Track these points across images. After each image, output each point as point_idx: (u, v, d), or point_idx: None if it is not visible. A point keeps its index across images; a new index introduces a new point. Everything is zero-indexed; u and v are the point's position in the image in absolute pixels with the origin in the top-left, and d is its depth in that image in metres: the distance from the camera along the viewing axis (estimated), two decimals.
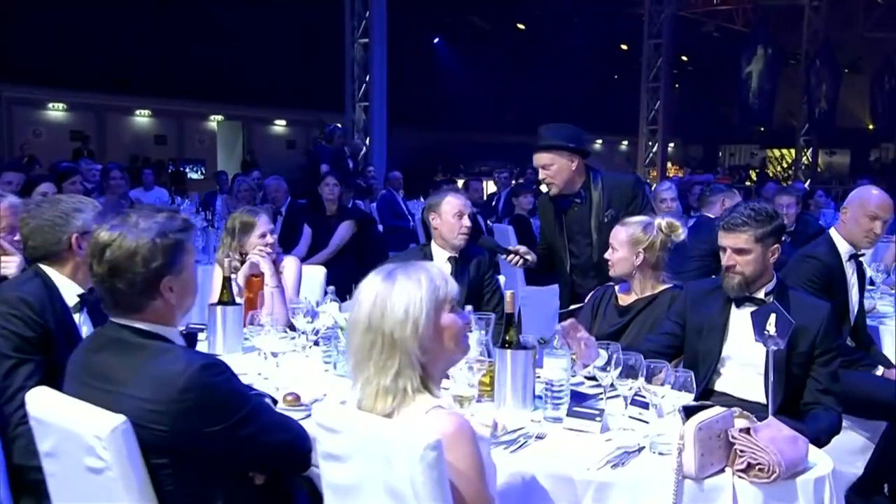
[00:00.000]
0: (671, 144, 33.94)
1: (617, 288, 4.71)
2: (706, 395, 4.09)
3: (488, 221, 10.90)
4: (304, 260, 8.43)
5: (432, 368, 2.58)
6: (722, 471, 2.97)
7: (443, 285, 2.61)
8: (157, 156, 23.96)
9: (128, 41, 22.27)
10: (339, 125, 13.12)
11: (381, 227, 10.82)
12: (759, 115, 29.22)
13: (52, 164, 9.63)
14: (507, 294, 3.70)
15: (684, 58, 33.06)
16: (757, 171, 32.00)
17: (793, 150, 31.75)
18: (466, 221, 5.19)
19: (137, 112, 25.47)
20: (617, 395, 3.45)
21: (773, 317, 3.20)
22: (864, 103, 34.18)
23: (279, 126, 28.35)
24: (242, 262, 5.03)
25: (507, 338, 3.60)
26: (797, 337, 3.88)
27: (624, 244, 4.54)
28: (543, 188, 5.72)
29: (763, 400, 3.98)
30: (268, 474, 2.89)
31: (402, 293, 2.50)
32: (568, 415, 3.39)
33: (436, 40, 28.34)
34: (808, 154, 29.26)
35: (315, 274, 5.59)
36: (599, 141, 37.36)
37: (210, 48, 23.03)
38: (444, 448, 2.32)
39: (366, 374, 2.50)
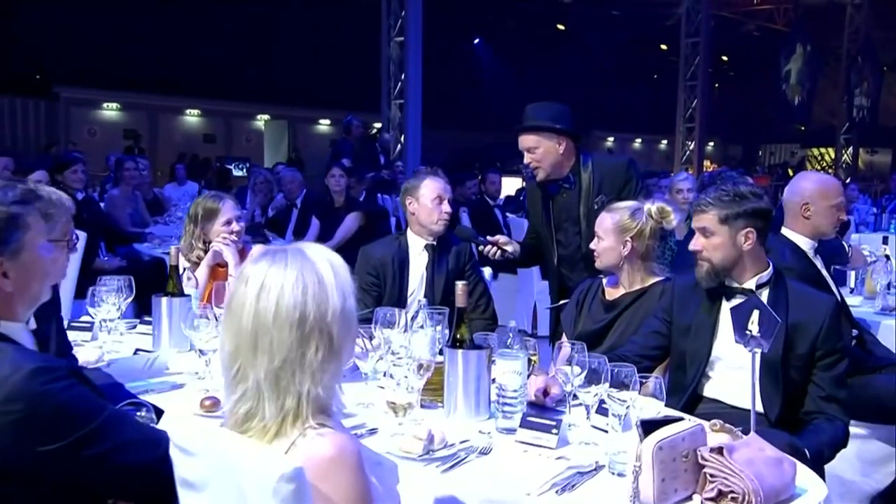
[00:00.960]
0: (711, 143, 33.32)
1: (605, 281, 4.09)
2: (695, 400, 3.48)
3: (510, 214, 10.24)
4: None
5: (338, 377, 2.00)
6: (689, 498, 2.36)
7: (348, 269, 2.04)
8: (205, 153, 23.72)
9: (178, 44, 22.04)
10: (357, 118, 12.53)
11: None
12: (799, 113, 28.49)
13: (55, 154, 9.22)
14: (459, 285, 3.09)
15: (725, 58, 32.33)
16: (794, 169, 30.92)
17: (832, 150, 30.78)
18: (446, 207, 4.60)
19: (187, 112, 25.40)
20: (580, 404, 2.86)
21: (755, 314, 2.57)
22: None
23: (323, 125, 27.87)
24: (206, 251, 4.50)
25: (458, 336, 3.01)
26: (795, 336, 3.30)
27: (610, 232, 3.92)
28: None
29: (759, 408, 3.35)
30: (132, 502, 2.28)
31: (331, 276, 1.92)
32: (521, 425, 2.80)
33: (476, 41, 27.81)
34: (848, 153, 28.44)
35: None
36: (639, 140, 36.82)
37: (256, 51, 23.02)
38: (318, 477, 1.77)
39: (245, 381, 1.90)
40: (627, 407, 2.63)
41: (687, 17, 23.96)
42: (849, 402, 4.23)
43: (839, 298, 4.63)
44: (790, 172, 24.50)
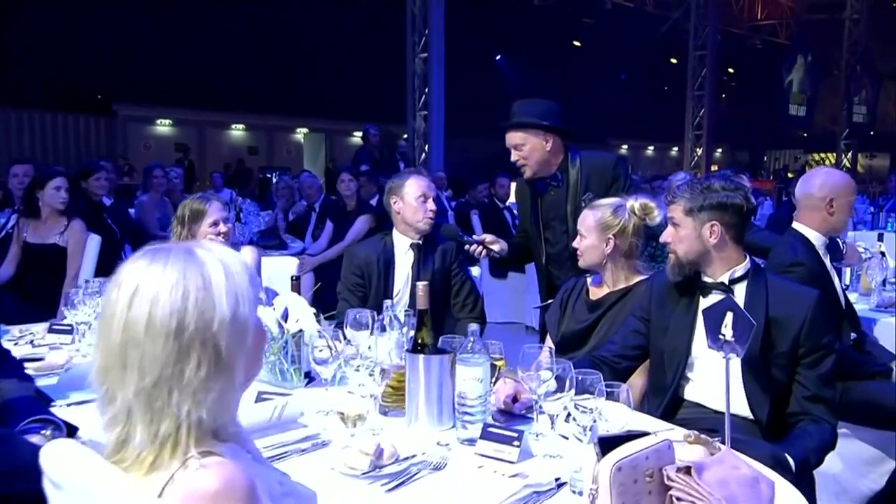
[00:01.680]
0: (719, 150, 32.99)
1: (590, 280, 3.66)
2: (676, 403, 3.04)
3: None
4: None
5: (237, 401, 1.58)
6: None
7: (252, 274, 1.63)
8: (249, 164, 23.49)
9: (225, 65, 22.00)
10: (375, 127, 12.19)
11: None
12: (800, 121, 28.06)
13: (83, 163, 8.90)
14: (419, 286, 2.65)
15: (731, 70, 31.85)
16: (794, 172, 30.32)
17: (833, 155, 30.23)
18: (431, 205, 4.18)
19: (233, 126, 25.26)
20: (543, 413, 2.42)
21: (729, 316, 2.12)
22: None
23: (356, 136, 26.70)
24: None
25: (420, 340, 2.57)
26: (776, 332, 2.87)
27: (592, 230, 3.49)
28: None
29: (745, 411, 2.91)
30: None
31: (222, 279, 1.48)
32: (482, 436, 2.36)
33: (497, 57, 27.38)
34: (848, 157, 27.89)
35: (286, 267, 4.61)
36: (651, 147, 36.32)
37: (296, 70, 22.78)
38: None
39: (114, 402, 1.46)
40: (594, 420, 2.20)
41: (694, 31, 23.48)
42: (847, 407, 3.82)
43: (844, 298, 4.20)
44: (790, 175, 23.97)
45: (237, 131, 25.56)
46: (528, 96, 4.37)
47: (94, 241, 5.94)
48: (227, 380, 1.47)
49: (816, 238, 4.04)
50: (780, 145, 37.52)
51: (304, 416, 2.64)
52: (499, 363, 2.63)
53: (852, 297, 5.22)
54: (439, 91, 16.68)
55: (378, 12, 19.87)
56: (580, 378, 2.25)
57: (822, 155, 34.84)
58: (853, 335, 4.18)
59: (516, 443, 2.29)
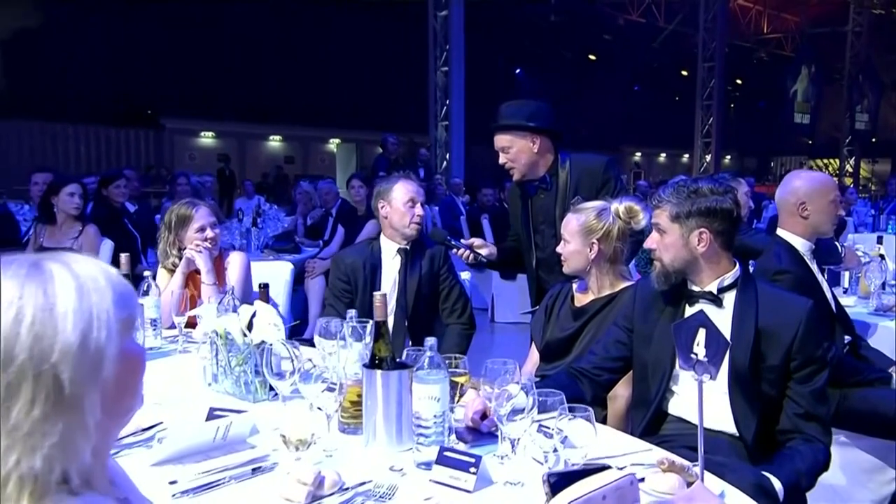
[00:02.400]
0: (728, 156, 32.49)
1: (575, 286, 3.25)
2: (660, 417, 2.64)
3: None
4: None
5: (102, 441, 1.20)
6: None
7: (126, 293, 1.26)
8: (286, 173, 23.38)
9: (264, 80, 22.26)
10: (393, 136, 11.89)
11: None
12: (804, 128, 27.67)
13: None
14: (376, 297, 2.27)
15: (738, 80, 31.33)
16: None
17: (837, 160, 29.68)
18: (419, 210, 3.79)
19: (271, 138, 25.12)
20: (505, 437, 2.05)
21: (701, 333, 1.74)
22: None
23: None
24: (181, 258, 3.79)
25: (377, 353, 2.20)
26: (767, 344, 2.45)
27: (576, 234, 3.09)
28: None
29: (731, 428, 2.51)
30: None
31: (71, 299, 1.11)
32: (437, 461, 2.00)
33: (518, 70, 26.99)
34: (850, 163, 27.38)
35: (281, 272, 4.26)
36: (663, 154, 35.81)
37: (329, 85, 22.96)
38: None
39: None
40: (554, 449, 1.84)
41: (703, 44, 23.03)
42: (845, 414, 3.41)
43: (834, 303, 3.77)
44: None
45: (275, 142, 25.44)
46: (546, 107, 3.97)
47: (106, 246, 5.70)
48: (73, 420, 1.09)
49: (802, 244, 3.64)
50: (786, 152, 36.90)
51: (258, 435, 2.29)
52: (460, 379, 2.24)
53: (850, 300, 4.81)
54: (459, 102, 16.51)
55: (402, 30, 19.66)
56: (541, 399, 1.89)
57: (826, 160, 34.22)
58: (847, 338, 3.77)
59: (473, 469, 1.92)
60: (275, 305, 4.21)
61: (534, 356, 3.30)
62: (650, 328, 2.64)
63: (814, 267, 3.65)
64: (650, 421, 2.61)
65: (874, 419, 3.50)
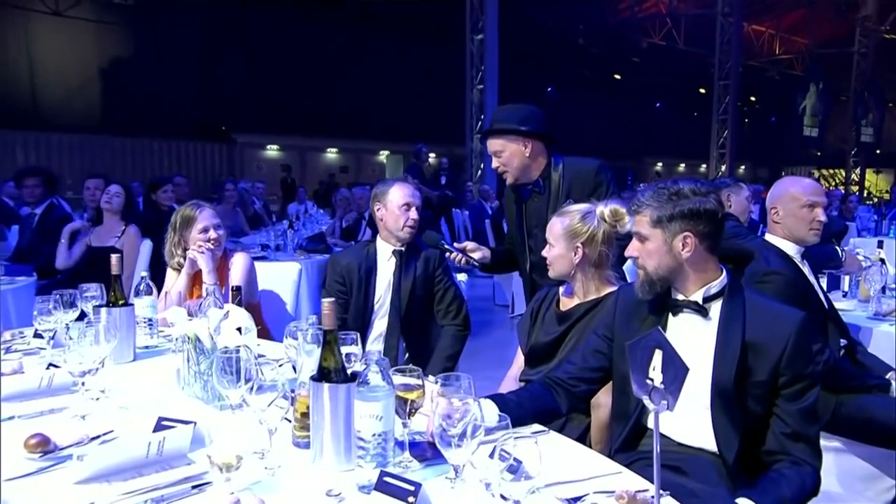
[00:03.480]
0: (742, 167, 31.72)
1: (561, 290, 2.84)
2: (639, 432, 2.21)
3: None
4: None
5: None
6: None
7: None
8: (339, 181, 23.16)
9: (323, 99, 22.13)
10: (425, 146, 11.55)
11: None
12: (812, 141, 27.36)
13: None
14: (325, 303, 1.82)
15: (752, 98, 30.52)
16: None
17: (843, 170, 28.88)
18: (414, 213, 3.41)
19: (328, 150, 24.91)
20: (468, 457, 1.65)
21: (657, 355, 1.33)
22: None
23: (430, 158, 26.64)
24: (185, 258, 3.46)
25: (325, 365, 1.81)
26: (754, 357, 2.02)
27: (560, 238, 2.69)
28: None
29: (712, 445, 2.08)
30: None
31: None
32: (376, 486, 1.61)
33: (549, 89, 26.40)
34: (856, 173, 26.65)
35: (288, 273, 3.90)
36: (682, 165, 34.99)
37: (378, 103, 22.68)
38: None
39: None
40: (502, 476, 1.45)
41: (719, 65, 22.37)
42: (842, 421, 2.95)
43: (827, 306, 3.30)
44: None
45: (331, 154, 25.24)
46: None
47: (146, 246, 5.43)
48: None
49: (790, 247, 3.20)
50: (796, 162, 35.78)
51: (205, 448, 1.93)
52: (411, 395, 1.81)
53: (850, 304, 4.32)
54: None
55: (442, 52, 19.38)
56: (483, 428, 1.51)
57: (833, 170, 33.26)
58: (843, 341, 3.31)
59: (411, 499, 1.54)
60: (282, 304, 3.88)
61: (519, 360, 2.90)
62: (631, 338, 2.20)
63: (805, 269, 3.20)
64: (629, 435, 2.19)
65: (872, 427, 3.04)
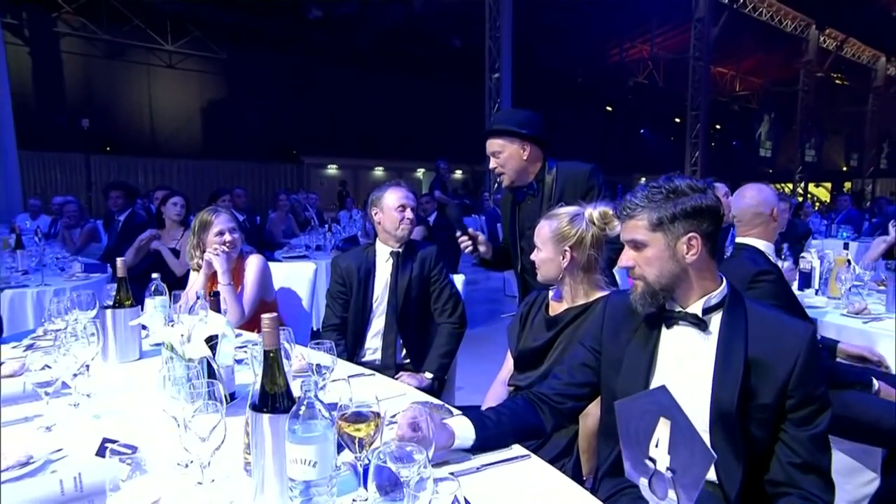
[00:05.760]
0: None
1: (551, 294, 2.21)
2: None
3: None
4: None
5: None
6: None
7: None
8: None
9: (372, 127, 21.72)
10: (444, 162, 10.93)
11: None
12: (767, 161, 27.42)
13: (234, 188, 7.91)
14: (264, 319, 1.23)
15: (718, 126, 29.58)
16: None
17: (791, 184, 28.19)
18: (409, 214, 2.81)
19: (376, 168, 24.29)
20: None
21: (663, 425, 0.72)
22: (840, 153, 32.43)
23: (457, 174, 25.89)
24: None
25: (267, 390, 1.22)
26: (758, 379, 1.38)
27: (548, 241, 2.07)
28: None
29: (711, 474, 1.45)
30: None
31: None
32: None
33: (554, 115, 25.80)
34: (801, 186, 26.02)
35: (304, 272, 3.33)
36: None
37: (417, 130, 22.18)
38: None
39: None
40: None
41: (691, 99, 21.42)
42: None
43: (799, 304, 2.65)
44: None
45: (378, 171, 24.58)
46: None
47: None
48: None
49: (767, 247, 2.58)
50: (754, 178, 34.47)
51: (150, 474, 1.36)
52: (360, 432, 1.20)
53: (820, 300, 3.66)
54: None
55: (467, 87, 18.87)
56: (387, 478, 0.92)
57: (783, 184, 32.35)
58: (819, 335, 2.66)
59: None
60: (298, 301, 3.31)
61: (508, 364, 2.29)
62: (619, 352, 1.58)
63: (780, 265, 2.58)
64: (616, 459, 1.57)
65: (854, 424, 2.38)
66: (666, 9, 21.50)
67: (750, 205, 2.69)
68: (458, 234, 2.80)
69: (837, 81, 28.98)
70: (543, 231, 2.08)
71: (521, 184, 2.81)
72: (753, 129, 26.51)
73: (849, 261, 3.93)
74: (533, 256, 2.12)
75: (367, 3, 18.54)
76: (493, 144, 2.80)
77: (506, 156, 2.77)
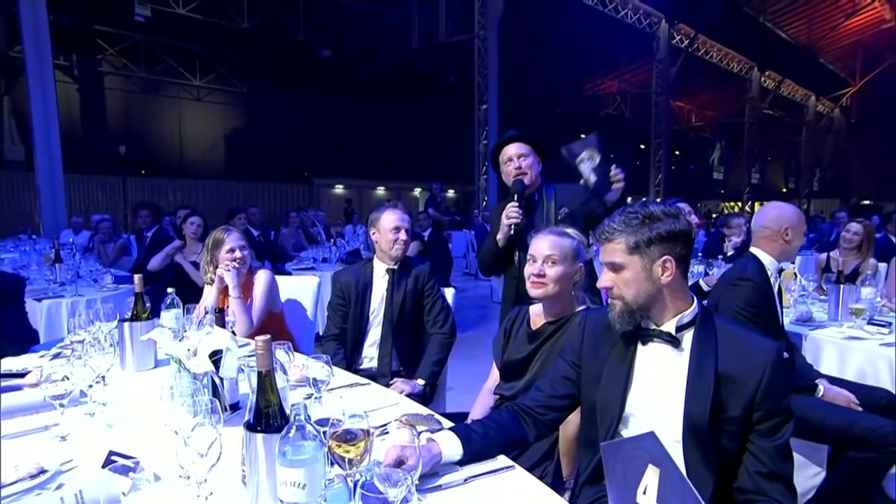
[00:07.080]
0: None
1: (531, 309, 2.09)
2: None
3: None
4: None
5: None
6: None
7: None
8: None
9: (374, 151, 21.66)
10: (438, 183, 10.86)
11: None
12: (719, 182, 27.87)
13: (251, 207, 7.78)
14: (258, 342, 1.12)
15: (677, 152, 29.74)
16: (716, 214, 28.35)
17: (739, 203, 28.51)
18: (403, 235, 2.71)
19: (378, 188, 24.14)
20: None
21: (652, 474, 0.62)
22: (780, 177, 33.00)
23: (450, 194, 25.39)
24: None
25: (260, 406, 1.12)
26: (728, 393, 1.28)
27: (567, 257, 1.93)
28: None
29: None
30: None
31: None
32: None
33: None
34: (748, 205, 26.38)
35: (309, 284, 3.22)
36: (630, 198, 34.09)
37: (414, 154, 22.11)
38: None
39: None
40: None
41: (654, 129, 21.51)
42: None
43: (782, 323, 2.56)
44: (713, 216, 22.06)
45: (379, 191, 24.46)
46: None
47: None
48: None
49: (770, 262, 2.47)
50: (707, 197, 35.16)
51: (157, 482, 1.25)
52: (349, 452, 1.09)
53: None
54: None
55: (458, 117, 18.69)
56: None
57: (733, 203, 32.50)
58: (786, 355, 2.56)
59: None
60: (303, 310, 3.20)
61: (494, 374, 2.18)
62: (599, 366, 1.49)
63: (776, 286, 2.48)
64: (597, 466, 1.47)
65: (803, 425, 2.29)
66: (631, 50, 21.71)
67: (762, 220, 2.60)
68: (513, 200, 2.65)
69: (776, 115, 29.89)
70: (564, 245, 1.93)
71: (531, 191, 2.74)
72: (707, 155, 26.79)
73: (795, 274, 3.86)
74: (546, 270, 1.94)
75: (371, 43, 18.59)
76: (522, 147, 2.74)
77: (531, 160, 2.73)
